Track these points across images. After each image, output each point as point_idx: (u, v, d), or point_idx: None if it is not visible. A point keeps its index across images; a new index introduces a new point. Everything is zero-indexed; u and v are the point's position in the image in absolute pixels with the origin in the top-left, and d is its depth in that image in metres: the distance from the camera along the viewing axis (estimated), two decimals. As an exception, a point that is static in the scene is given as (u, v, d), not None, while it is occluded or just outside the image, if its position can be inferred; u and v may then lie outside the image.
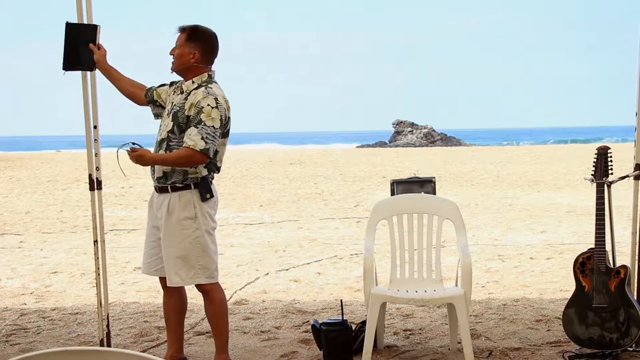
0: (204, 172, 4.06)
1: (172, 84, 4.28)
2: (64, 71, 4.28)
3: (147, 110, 4.40)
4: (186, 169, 4.02)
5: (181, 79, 4.20)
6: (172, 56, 4.15)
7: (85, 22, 4.39)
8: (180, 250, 4.05)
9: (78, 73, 4.38)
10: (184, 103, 4.04)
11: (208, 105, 3.96)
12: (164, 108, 4.27)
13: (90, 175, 4.51)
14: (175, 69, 4.15)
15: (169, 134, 4.04)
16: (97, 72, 4.40)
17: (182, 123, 4.01)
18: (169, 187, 4.06)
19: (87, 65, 4.31)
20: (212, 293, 4.18)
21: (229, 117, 4.08)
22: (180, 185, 4.04)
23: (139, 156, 3.98)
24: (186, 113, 4.00)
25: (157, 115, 4.35)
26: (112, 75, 4.33)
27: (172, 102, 4.13)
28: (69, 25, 4.25)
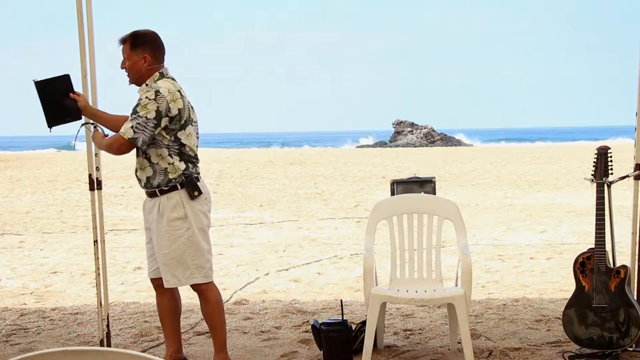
0: (182, 167, 4.07)
1: None
2: (49, 128, 4.21)
3: None
4: (167, 170, 4.06)
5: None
6: (124, 70, 4.16)
7: (85, 22, 4.39)
8: (174, 251, 4.08)
9: (77, 72, 4.38)
10: None
11: (146, 97, 4.02)
12: None
13: (90, 175, 4.51)
14: (133, 80, 4.17)
15: None
16: (97, 73, 4.41)
17: None
18: (157, 191, 4.10)
19: (74, 115, 4.26)
20: (207, 292, 4.19)
21: (179, 109, 4.03)
22: (166, 188, 4.08)
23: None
24: None
25: None
26: (101, 117, 4.31)
27: None
28: (39, 83, 4.15)
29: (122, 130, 4.03)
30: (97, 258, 4.53)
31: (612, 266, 4.38)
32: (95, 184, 4.51)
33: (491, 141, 56.03)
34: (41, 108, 4.16)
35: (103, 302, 4.57)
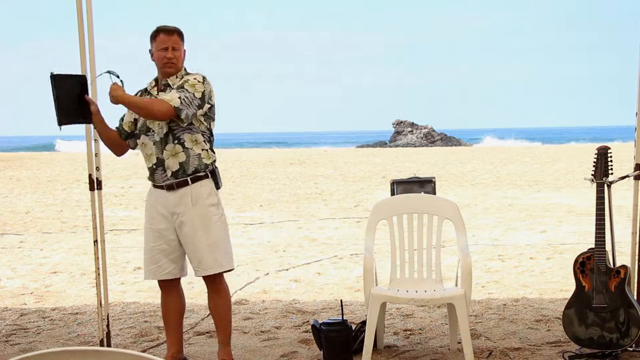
0: (214, 155, 4.22)
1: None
2: (59, 127, 4.11)
3: None
4: (201, 156, 4.13)
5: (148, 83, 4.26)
6: (170, 58, 4.13)
7: (85, 22, 4.38)
8: (213, 235, 4.16)
9: (77, 72, 4.36)
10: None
11: (195, 78, 4.10)
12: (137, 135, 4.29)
13: (90, 175, 4.51)
14: (174, 69, 4.17)
15: (170, 125, 4.10)
16: (97, 73, 4.38)
17: None
18: (189, 180, 4.13)
19: (86, 118, 4.21)
20: (222, 285, 4.29)
21: (213, 103, 4.19)
22: (202, 174, 4.14)
23: (115, 89, 4.07)
24: None
25: (136, 145, 4.35)
26: (106, 127, 4.30)
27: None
28: (55, 77, 4.06)
29: (167, 97, 4.01)
30: (97, 258, 4.53)
31: (612, 266, 4.38)
32: (95, 184, 4.51)
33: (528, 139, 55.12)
34: (53, 103, 4.07)
35: (103, 302, 4.56)
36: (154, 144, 4.16)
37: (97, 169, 4.51)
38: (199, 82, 4.09)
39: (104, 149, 4.53)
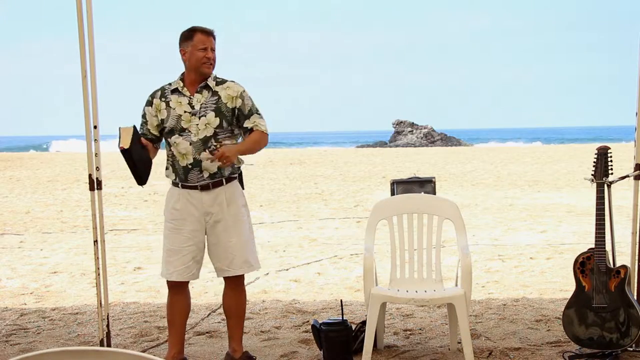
0: (243, 162, 4.31)
1: (154, 97, 4.27)
2: (142, 185, 4.31)
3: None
4: (234, 162, 4.20)
5: (167, 83, 4.26)
6: (208, 59, 4.17)
7: (85, 22, 4.39)
8: (244, 236, 4.22)
9: (77, 72, 4.39)
10: (218, 98, 4.16)
11: (250, 95, 4.24)
12: (162, 132, 4.27)
13: (90, 175, 4.51)
14: (213, 69, 4.23)
15: (217, 130, 4.13)
16: (97, 72, 4.42)
17: (228, 117, 4.16)
18: (223, 180, 4.18)
19: (150, 160, 4.26)
20: (244, 284, 4.35)
21: None
22: (234, 176, 4.24)
23: (224, 155, 4.05)
24: (229, 106, 4.16)
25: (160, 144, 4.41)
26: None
27: (199, 102, 4.15)
28: (129, 151, 4.02)
29: (263, 128, 4.20)
30: (97, 258, 4.53)
31: (612, 266, 4.38)
32: (95, 184, 4.51)
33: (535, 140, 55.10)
34: (130, 171, 4.15)
35: (103, 302, 4.56)
36: (190, 144, 4.14)
37: (97, 169, 4.51)
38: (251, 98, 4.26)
39: (104, 149, 4.52)
